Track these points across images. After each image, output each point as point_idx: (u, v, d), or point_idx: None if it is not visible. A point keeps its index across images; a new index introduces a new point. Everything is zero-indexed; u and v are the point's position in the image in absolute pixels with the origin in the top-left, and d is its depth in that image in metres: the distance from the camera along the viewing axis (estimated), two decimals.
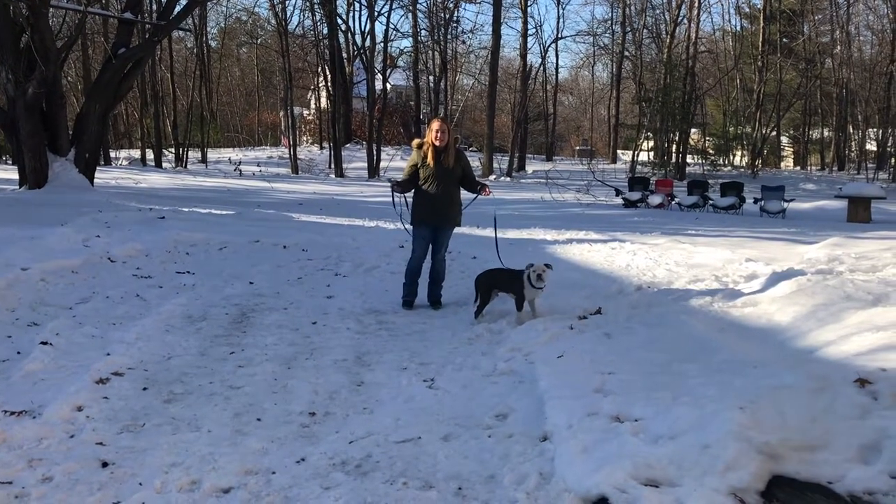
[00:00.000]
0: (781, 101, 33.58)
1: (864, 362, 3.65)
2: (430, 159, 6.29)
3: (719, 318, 5.34)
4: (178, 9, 17.79)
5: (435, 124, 6.37)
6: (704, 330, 4.84)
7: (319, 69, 37.34)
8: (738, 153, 34.53)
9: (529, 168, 34.54)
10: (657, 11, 38.21)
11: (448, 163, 6.31)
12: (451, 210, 6.43)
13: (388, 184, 6.64)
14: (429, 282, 6.60)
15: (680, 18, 32.45)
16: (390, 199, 6.66)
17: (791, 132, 40.80)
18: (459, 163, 6.44)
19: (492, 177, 29.97)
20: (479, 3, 38.84)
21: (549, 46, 42.54)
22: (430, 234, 6.48)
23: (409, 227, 6.59)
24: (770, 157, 37.44)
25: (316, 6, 34.07)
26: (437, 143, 6.28)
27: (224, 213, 12.84)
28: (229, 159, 34.86)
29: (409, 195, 6.51)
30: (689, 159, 31.56)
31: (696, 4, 31.28)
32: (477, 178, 6.76)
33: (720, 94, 38.05)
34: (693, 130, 32.41)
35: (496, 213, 7.12)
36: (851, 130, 34.78)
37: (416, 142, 6.52)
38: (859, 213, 15.72)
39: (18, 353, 4.58)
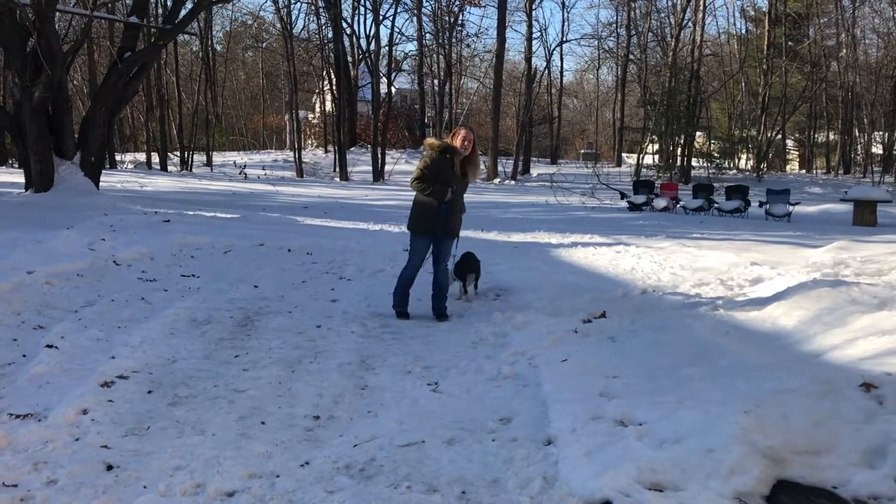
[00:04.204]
0: (787, 104, 33.51)
1: (870, 366, 3.63)
2: (457, 169, 6.00)
3: (724, 322, 5.32)
4: (183, 13, 17.91)
5: (462, 132, 6.10)
6: (709, 334, 4.82)
7: (324, 73, 37.46)
8: (743, 156, 34.48)
9: (534, 171, 34.55)
10: (662, 15, 38.31)
11: (471, 175, 6.14)
12: (457, 222, 6.26)
13: (450, 190, 5.98)
14: (433, 294, 6.28)
15: (685, 22, 32.46)
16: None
17: (796, 135, 40.73)
18: (475, 174, 6.29)
19: (496, 180, 29.98)
20: (484, 6, 38.93)
21: (553, 50, 42.39)
22: (430, 245, 6.21)
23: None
24: (775, 160, 37.36)
25: (321, 10, 34.24)
26: (465, 154, 6.03)
27: (229, 216, 12.85)
28: (234, 163, 34.95)
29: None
30: (693, 163, 31.50)
31: (702, 8, 31.24)
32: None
33: (725, 98, 38.02)
34: (698, 134, 32.36)
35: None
36: (857, 134, 34.67)
37: (434, 143, 6.17)
38: (865, 217, 15.69)
39: (24, 356, 4.60)
